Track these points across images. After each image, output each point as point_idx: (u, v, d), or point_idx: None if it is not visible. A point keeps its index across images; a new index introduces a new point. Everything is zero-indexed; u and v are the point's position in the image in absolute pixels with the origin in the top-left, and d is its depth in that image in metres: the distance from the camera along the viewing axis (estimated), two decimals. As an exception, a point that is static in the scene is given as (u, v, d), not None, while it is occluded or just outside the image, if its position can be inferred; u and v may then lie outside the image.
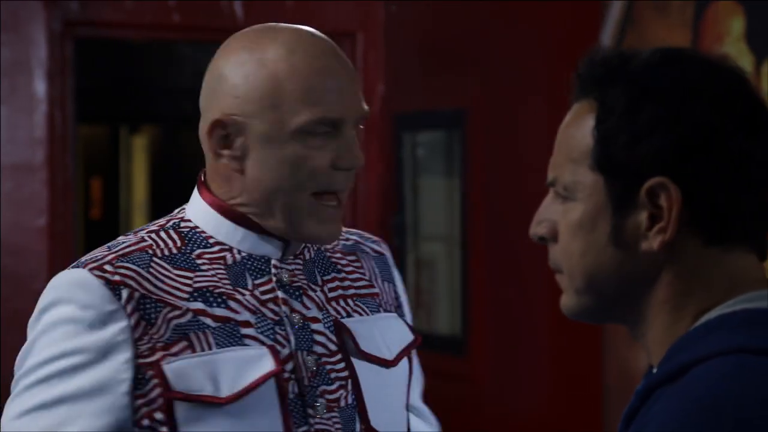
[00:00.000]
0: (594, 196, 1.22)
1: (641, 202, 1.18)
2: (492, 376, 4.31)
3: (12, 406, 1.63)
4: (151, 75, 8.64)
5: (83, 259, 1.66)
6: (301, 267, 1.73)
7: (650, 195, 1.17)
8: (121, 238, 1.70)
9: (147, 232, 1.70)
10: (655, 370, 1.18)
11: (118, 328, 1.60)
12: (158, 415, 1.60)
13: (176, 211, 1.74)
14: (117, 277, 1.61)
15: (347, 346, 1.72)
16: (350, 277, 1.79)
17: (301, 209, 1.66)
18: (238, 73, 1.66)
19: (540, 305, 4.16)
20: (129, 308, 1.60)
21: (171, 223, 1.71)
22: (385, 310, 1.81)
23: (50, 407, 1.60)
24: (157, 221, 1.73)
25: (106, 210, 9.68)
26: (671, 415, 1.09)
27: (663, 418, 1.09)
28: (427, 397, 1.96)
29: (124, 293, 1.61)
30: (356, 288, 1.79)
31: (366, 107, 1.72)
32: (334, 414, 1.68)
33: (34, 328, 1.64)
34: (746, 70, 1.25)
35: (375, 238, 1.92)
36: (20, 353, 1.66)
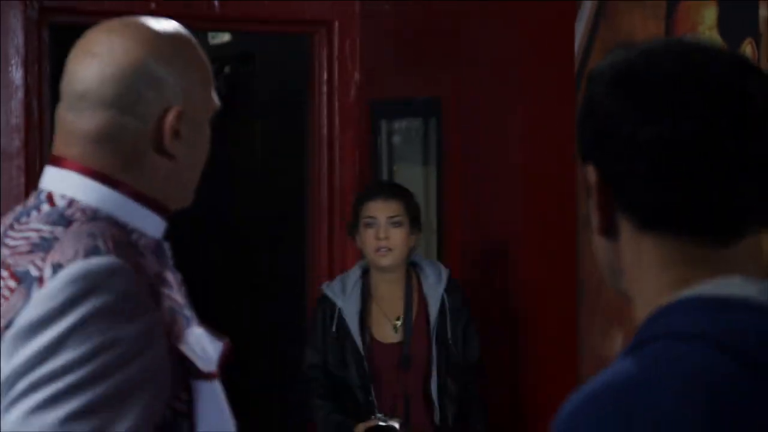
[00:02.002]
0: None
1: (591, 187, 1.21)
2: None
3: (52, 411, 1.48)
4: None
5: (86, 247, 1.57)
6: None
7: (589, 178, 1.21)
8: (82, 227, 1.61)
9: (90, 223, 1.63)
10: None
11: (154, 314, 1.57)
12: (183, 395, 1.61)
13: (64, 203, 1.67)
14: (131, 264, 1.58)
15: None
16: None
17: (194, 184, 1.78)
18: (173, 66, 1.73)
19: (515, 294, 4.18)
20: (149, 292, 1.59)
21: (89, 213, 1.65)
22: None
23: (103, 405, 1.49)
24: (67, 212, 1.65)
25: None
26: (587, 391, 1.12)
27: (582, 392, 1.12)
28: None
29: (143, 279, 1.59)
30: None
31: None
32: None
33: (58, 322, 1.50)
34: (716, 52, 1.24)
35: None
36: (37, 350, 1.50)
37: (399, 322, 3.89)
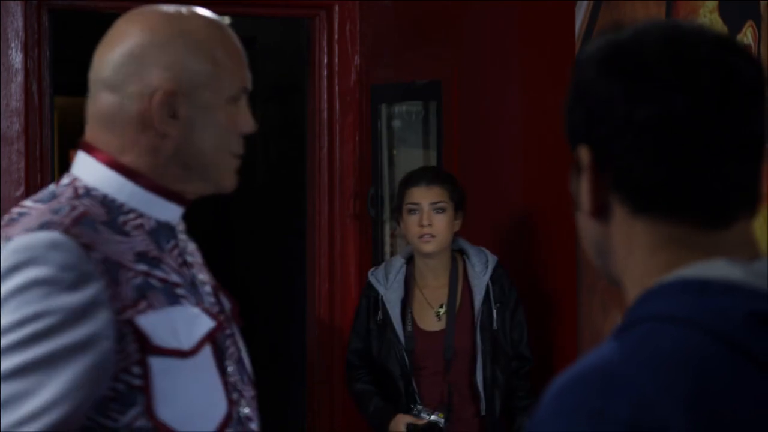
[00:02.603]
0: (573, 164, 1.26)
1: (582, 167, 1.21)
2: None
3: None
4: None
5: (40, 222, 1.66)
6: (184, 234, 1.88)
7: (580, 160, 1.21)
8: (53, 204, 1.71)
9: (72, 200, 1.74)
10: None
11: (97, 287, 1.63)
12: (135, 369, 1.67)
13: (68, 180, 1.79)
14: (84, 239, 1.65)
15: (225, 307, 1.89)
16: (198, 257, 1.92)
17: (224, 168, 1.83)
18: (176, 48, 1.78)
19: (516, 274, 4.19)
20: (100, 269, 1.65)
21: (81, 192, 1.76)
22: None
23: (30, 369, 1.58)
24: (59, 191, 1.76)
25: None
26: (571, 372, 1.12)
27: (566, 374, 1.13)
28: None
29: (94, 254, 1.65)
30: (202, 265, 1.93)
31: None
32: (235, 367, 1.83)
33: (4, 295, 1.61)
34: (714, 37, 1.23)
35: None
36: None
37: (442, 310, 3.84)
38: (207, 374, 1.75)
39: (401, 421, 3.71)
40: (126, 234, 1.73)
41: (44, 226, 1.65)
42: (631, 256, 1.20)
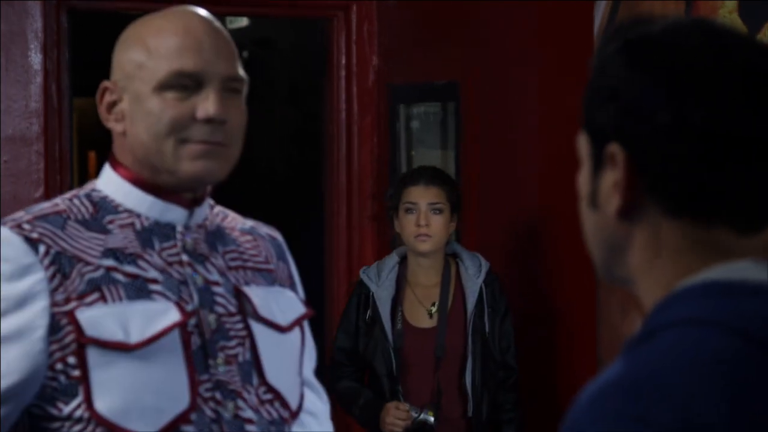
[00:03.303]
0: (585, 157, 1.24)
1: (608, 165, 1.19)
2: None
3: None
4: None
5: (2, 220, 1.79)
6: (203, 236, 1.90)
7: (612, 159, 1.18)
8: (38, 204, 1.85)
9: (61, 199, 1.86)
10: None
11: (34, 279, 1.73)
12: (71, 360, 1.73)
13: (87, 184, 1.90)
14: (35, 234, 1.76)
15: (246, 309, 1.89)
16: (249, 252, 1.97)
17: (168, 154, 1.81)
18: (122, 45, 1.87)
19: (534, 276, 4.18)
20: (46, 262, 1.74)
21: (83, 192, 1.87)
22: (280, 285, 2.00)
23: None
24: (68, 192, 1.89)
25: (101, 182, 9.66)
26: (605, 378, 1.11)
27: (600, 380, 1.11)
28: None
29: (41, 248, 1.74)
30: (254, 262, 1.97)
31: (236, 70, 1.85)
32: (232, 368, 1.84)
33: None
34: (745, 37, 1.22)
35: (269, 227, 2.11)
36: None
37: (434, 309, 3.84)
38: (162, 368, 1.76)
39: (392, 409, 3.69)
40: (104, 231, 1.82)
41: (2, 222, 1.78)
42: (658, 258, 1.18)
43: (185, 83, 1.81)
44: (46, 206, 1.84)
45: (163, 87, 1.80)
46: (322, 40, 5.19)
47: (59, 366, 1.73)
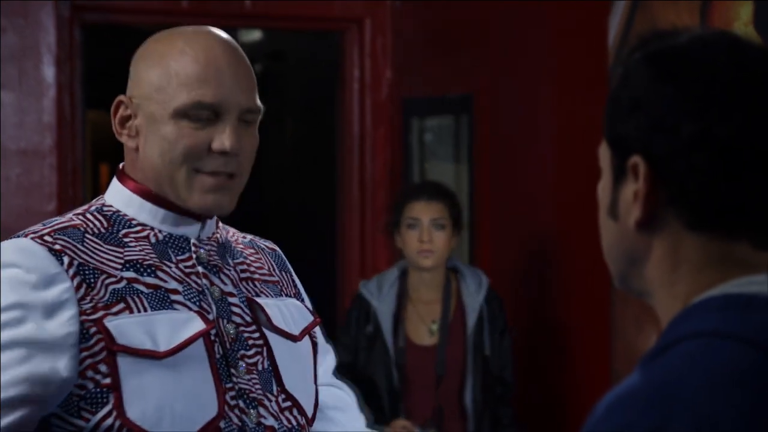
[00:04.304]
0: (606, 167, 1.23)
1: (629, 177, 1.18)
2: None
3: None
4: (159, 60, 8.62)
5: (21, 233, 1.79)
6: (215, 248, 1.92)
7: (634, 171, 1.18)
8: (52, 219, 1.85)
9: (73, 215, 1.86)
10: None
11: (61, 288, 1.73)
12: (102, 367, 1.73)
13: (94, 200, 1.91)
14: (57, 246, 1.76)
15: (260, 319, 1.91)
16: (254, 264, 2.00)
17: (180, 182, 1.83)
18: (142, 62, 1.87)
19: (548, 289, 4.17)
20: (71, 272, 1.74)
21: (93, 208, 1.88)
22: (286, 295, 2.03)
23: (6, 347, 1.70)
24: (77, 209, 1.89)
25: (114, 195, 9.68)
26: (623, 389, 1.11)
27: (617, 391, 1.11)
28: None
29: (65, 259, 1.75)
30: (260, 274, 1.99)
31: (254, 102, 1.86)
32: (253, 376, 1.86)
33: None
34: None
35: (266, 240, 2.13)
36: None
37: (435, 326, 3.82)
38: (190, 376, 1.78)
39: (399, 428, 3.66)
40: (121, 245, 1.83)
41: (17, 236, 1.79)
42: (677, 271, 1.18)
43: (203, 114, 1.81)
44: (61, 221, 1.84)
45: (180, 115, 1.81)
46: (335, 54, 5.19)
47: (89, 373, 1.73)
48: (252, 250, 2.03)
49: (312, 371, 2.01)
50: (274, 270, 2.04)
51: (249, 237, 2.08)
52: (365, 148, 5.02)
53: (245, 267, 1.96)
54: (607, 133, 1.22)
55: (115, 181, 1.91)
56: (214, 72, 1.82)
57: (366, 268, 4.99)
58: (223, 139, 1.81)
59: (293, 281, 2.09)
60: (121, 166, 1.91)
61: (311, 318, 2.04)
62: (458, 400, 3.76)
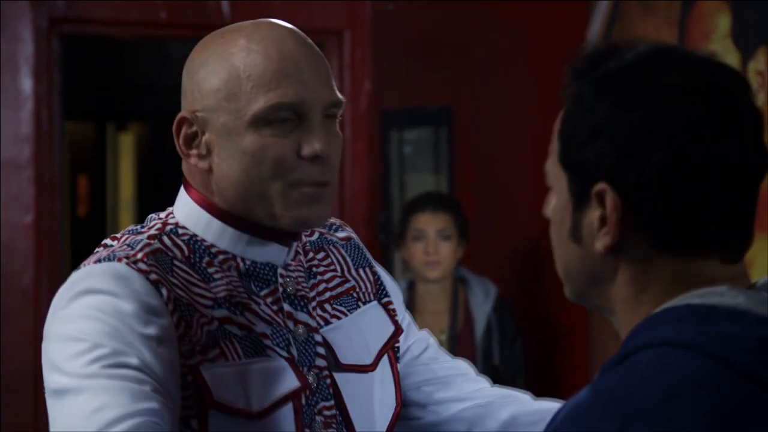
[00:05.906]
0: (562, 190, 1.22)
1: (593, 202, 1.18)
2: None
3: (71, 402, 1.44)
4: (138, 72, 8.63)
5: (108, 254, 1.54)
6: (302, 274, 1.68)
7: (599, 198, 1.17)
8: (130, 238, 1.60)
9: (150, 234, 1.60)
10: None
11: (163, 324, 1.49)
12: (194, 423, 1.52)
13: (164, 215, 1.66)
14: (153, 276, 1.52)
15: (329, 360, 1.66)
16: (325, 278, 1.72)
17: (274, 198, 1.58)
18: (201, 69, 1.61)
19: (527, 300, 4.17)
20: (170, 306, 1.51)
21: (167, 229, 1.62)
22: (364, 302, 1.76)
23: (110, 391, 1.43)
24: (148, 225, 1.64)
25: (92, 207, 9.67)
26: (583, 397, 1.11)
27: (577, 399, 1.11)
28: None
29: (164, 291, 1.52)
30: (331, 290, 1.72)
31: (337, 95, 1.62)
32: (331, 430, 1.64)
33: (60, 318, 1.50)
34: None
35: (336, 221, 1.84)
36: (45, 353, 1.50)
37: (444, 336, 3.81)
38: None
39: None
40: (208, 276, 1.58)
41: (107, 258, 1.53)
42: (645, 292, 1.18)
43: (285, 117, 1.57)
44: (144, 240, 1.58)
45: (259, 122, 1.56)
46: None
47: (180, 427, 1.50)
48: (321, 255, 1.75)
49: (394, 395, 1.75)
50: (348, 271, 1.76)
51: (317, 234, 1.77)
52: (344, 160, 5.01)
53: (323, 287, 1.71)
54: (562, 158, 1.21)
55: (186, 200, 1.64)
56: (292, 67, 1.58)
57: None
58: (312, 142, 1.57)
59: (372, 275, 1.80)
60: (186, 180, 1.66)
61: (391, 329, 1.77)
62: None
